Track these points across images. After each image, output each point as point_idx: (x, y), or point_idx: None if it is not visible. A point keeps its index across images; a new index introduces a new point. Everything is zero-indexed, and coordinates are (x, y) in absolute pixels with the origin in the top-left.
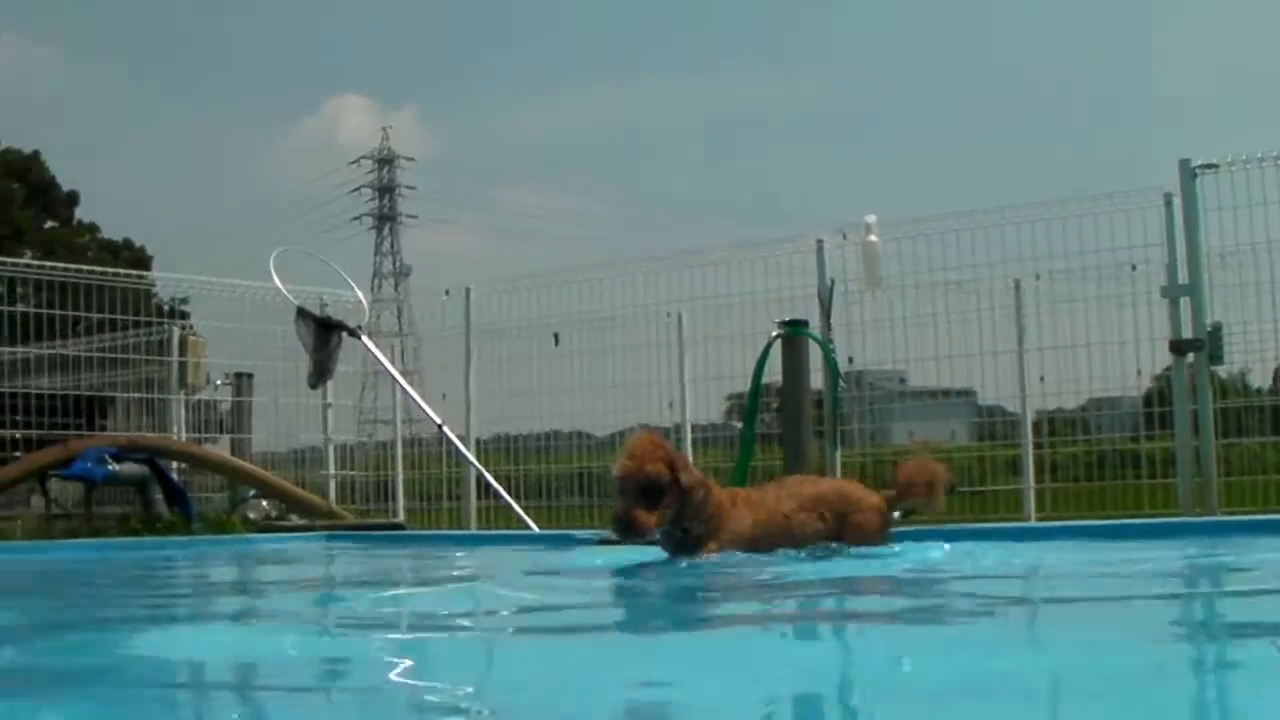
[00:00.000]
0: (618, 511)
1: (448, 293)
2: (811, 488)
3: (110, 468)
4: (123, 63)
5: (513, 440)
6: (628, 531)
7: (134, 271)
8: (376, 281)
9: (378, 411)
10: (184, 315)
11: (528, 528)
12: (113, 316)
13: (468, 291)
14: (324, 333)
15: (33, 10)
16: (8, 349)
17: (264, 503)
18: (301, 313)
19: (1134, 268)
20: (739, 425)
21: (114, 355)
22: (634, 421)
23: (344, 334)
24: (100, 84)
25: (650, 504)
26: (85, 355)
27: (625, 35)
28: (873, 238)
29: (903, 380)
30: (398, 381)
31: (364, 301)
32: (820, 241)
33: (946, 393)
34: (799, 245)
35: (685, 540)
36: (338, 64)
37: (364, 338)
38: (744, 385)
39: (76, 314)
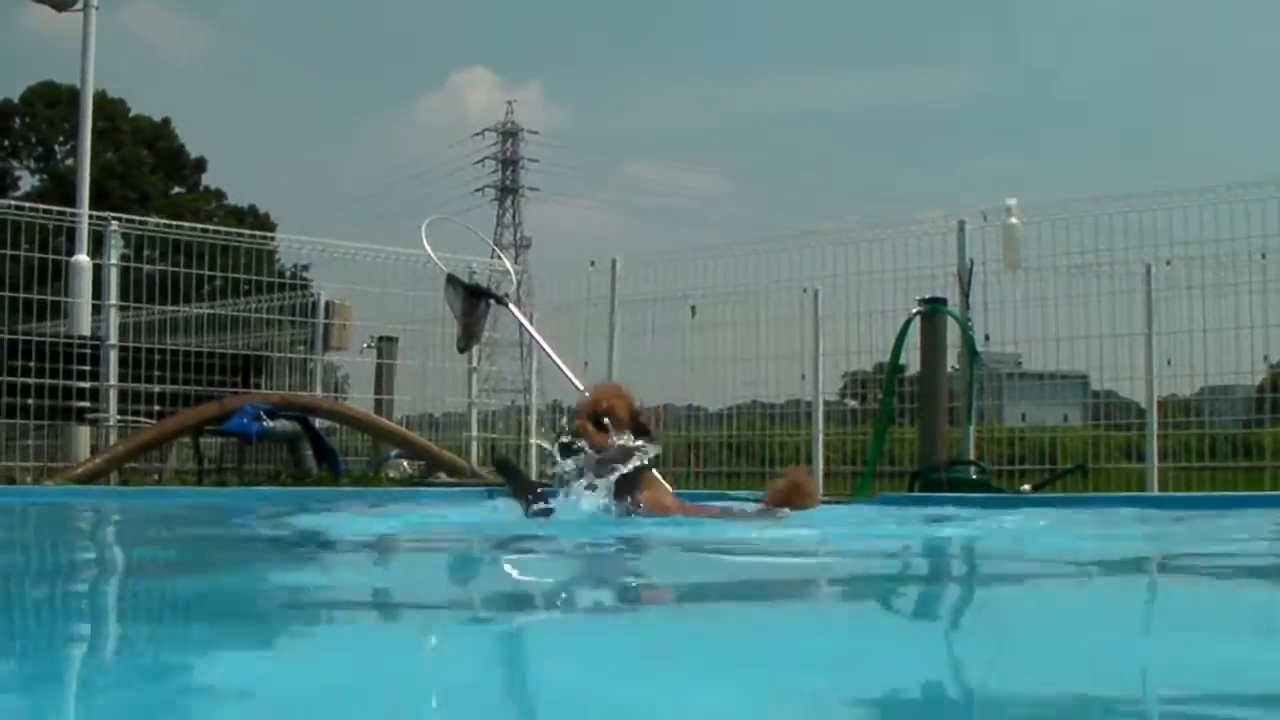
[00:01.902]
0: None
1: (593, 263)
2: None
3: (265, 424)
4: (251, 32)
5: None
6: (566, 449)
7: (283, 236)
8: (494, 255)
9: (494, 380)
10: (305, 283)
11: None
12: (257, 279)
13: (614, 263)
14: (472, 299)
15: None
16: (170, 308)
17: (405, 463)
18: (451, 279)
19: (1264, 256)
20: (851, 403)
21: (264, 316)
22: (769, 395)
23: (491, 301)
24: (229, 53)
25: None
26: (236, 316)
27: (750, 17)
28: (1014, 220)
29: (1018, 363)
30: (543, 348)
31: (511, 270)
32: (962, 222)
33: (1061, 376)
34: (938, 225)
35: (620, 487)
36: (464, 37)
37: (510, 305)
38: (868, 362)
39: (228, 275)
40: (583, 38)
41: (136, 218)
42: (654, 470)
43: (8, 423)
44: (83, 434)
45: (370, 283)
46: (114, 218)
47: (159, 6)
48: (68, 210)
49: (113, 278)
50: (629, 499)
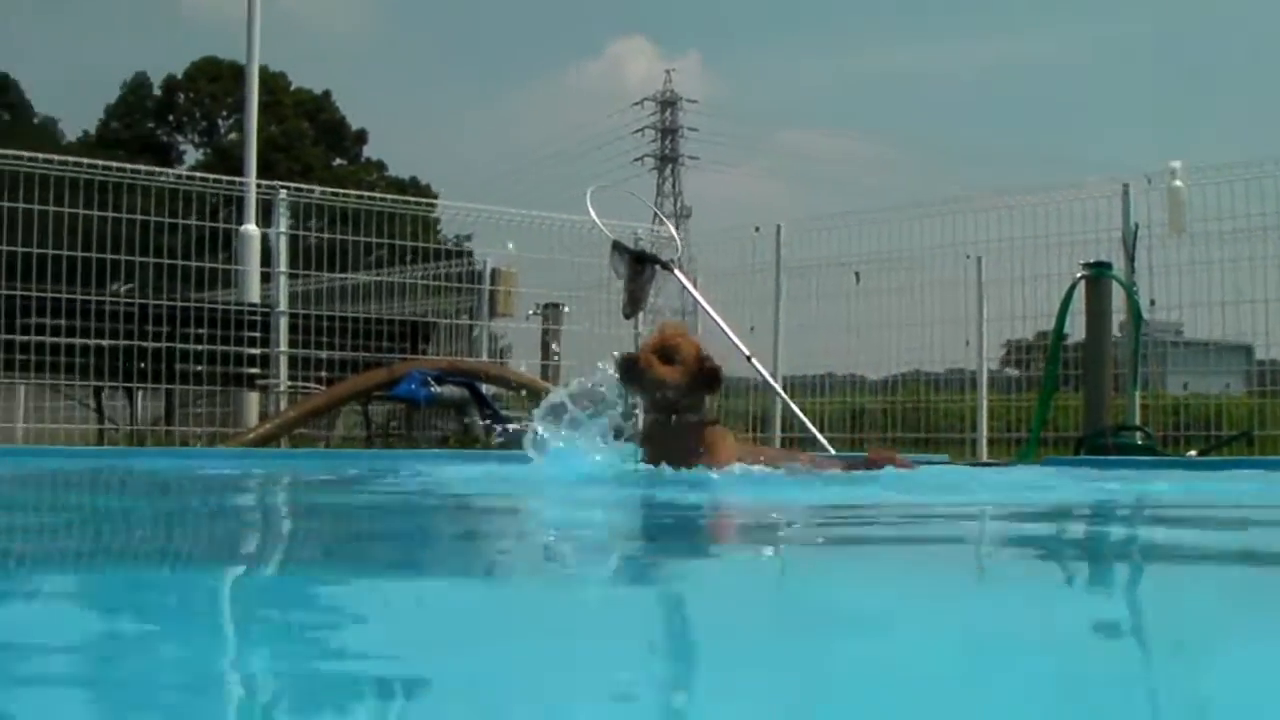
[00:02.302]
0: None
1: (758, 229)
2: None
3: (433, 390)
4: (410, 2)
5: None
6: (631, 368)
7: (445, 203)
8: (657, 221)
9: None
10: (466, 253)
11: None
12: (422, 246)
13: (778, 229)
14: (637, 265)
15: None
16: (338, 275)
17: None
18: (617, 245)
19: None
20: (1012, 371)
21: (430, 283)
22: (931, 362)
23: (657, 267)
24: (388, 24)
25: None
26: (401, 283)
27: None
28: (1178, 183)
29: (1179, 331)
30: (709, 314)
31: (675, 237)
32: (1126, 186)
33: (1223, 345)
34: (1102, 189)
35: (676, 449)
36: (623, 6)
37: (676, 271)
38: (1031, 329)
39: (392, 243)
40: (740, 5)
41: (305, 186)
42: (718, 425)
43: (181, 389)
44: (252, 400)
45: (534, 249)
46: (282, 186)
47: None
48: (236, 180)
49: (282, 246)
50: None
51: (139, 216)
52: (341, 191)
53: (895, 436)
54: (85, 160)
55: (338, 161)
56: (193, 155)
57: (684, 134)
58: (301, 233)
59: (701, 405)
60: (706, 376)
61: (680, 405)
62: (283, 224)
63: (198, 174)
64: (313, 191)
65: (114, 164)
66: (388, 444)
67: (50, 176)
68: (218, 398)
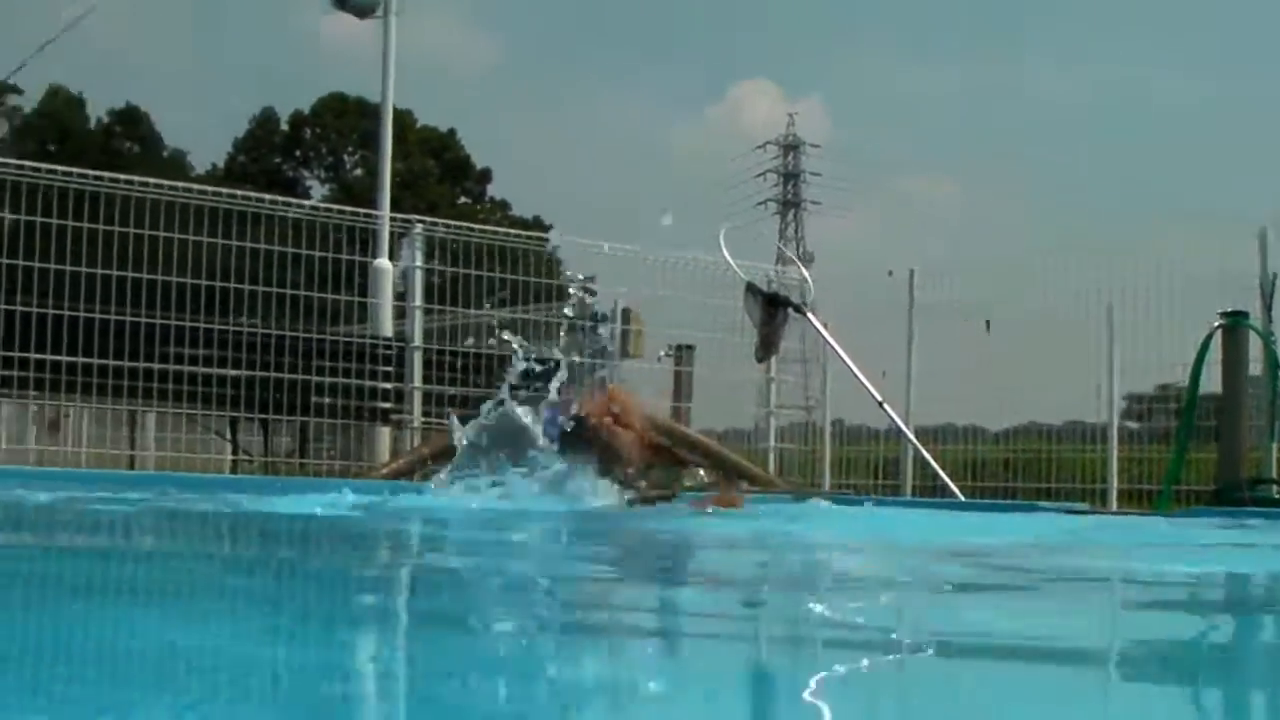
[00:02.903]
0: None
1: (891, 273)
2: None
3: (565, 428)
4: (536, 43)
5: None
6: (582, 430)
7: (570, 238)
8: (779, 265)
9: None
10: (590, 292)
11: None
12: (547, 283)
13: (911, 273)
14: (771, 309)
15: None
16: (463, 310)
17: (701, 473)
18: (751, 288)
19: None
20: (1132, 425)
21: (558, 320)
22: (1050, 410)
23: (790, 310)
24: (513, 64)
25: None
26: (534, 320)
27: (1042, 19)
28: None
29: None
30: (842, 358)
31: (808, 280)
32: (1264, 230)
33: None
34: (1237, 235)
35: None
36: (746, 50)
37: (809, 315)
38: (1156, 379)
39: (520, 279)
40: (863, 48)
41: (439, 221)
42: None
43: (315, 421)
44: (383, 434)
45: (661, 289)
46: (418, 221)
47: (446, 18)
48: (370, 213)
49: (417, 280)
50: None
51: (270, 247)
52: (475, 227)
53: (1016, 486)
54: (222, 190)
55: (462, 200)
56: (318, 190)
57: (806, 178)
58: (437, 267)
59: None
60: (655, 449)
61: (624, 475)
62: (418, 259)
63: (334, 207)
64: (448, 226)
65: (251, 194)
66: None
67: (177, 204)
68: (351, 431)
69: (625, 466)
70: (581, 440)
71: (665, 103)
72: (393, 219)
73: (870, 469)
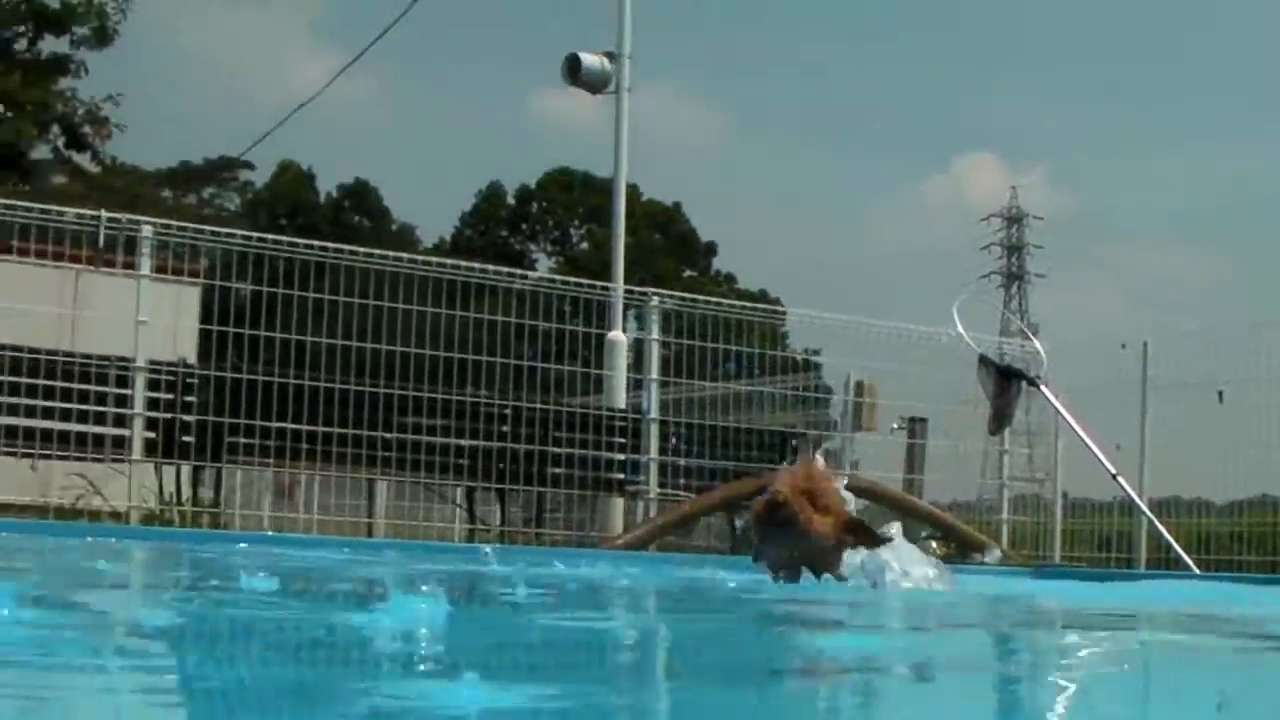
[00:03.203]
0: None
1: (1124, 346)
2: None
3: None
4: (759, 116)
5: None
6: (778, 513)
7: (799, 311)
8: (999, 339)
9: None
10: (816, 365)
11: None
12: (785, 355)
13: (1145, 345)
14: (1004, 381)
15: (688, 60)
16: (708, 384)
17: (934, 544)
18: (984, 360)
19: None
20: None
21: (796, 394)
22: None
23: (1024, 383)
24: (738, 137)
25: None
26: (761, 392)
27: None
28: None
29: None
30: (1076, 431)
31: (1041, 352)
32: None
33: None
34: None
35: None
36: (972, 123)
37: (1043, 388)
38: None
39: (753, 351)
40: (1092, 119)
41: (674, 294)
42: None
43: (551, 492)
44: (616, 505)
45: (888, 361)
46: (654, 293)
47: (669, 94)
48: (606, 285)
49: (654, 353)
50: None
51: (500, 318)
52: (711, 300)
53: (1244, 559)
54: (447, 262)
55: (688, 273)
56: (544, 264)
57: (1030, 251)
58: (671, 340)
59: (837, 563)
60: (857, 531)
61: (818, 562)
62: (655, 330)
63: (568, 279)
64: (684, 299)
65: (485, 266)
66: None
67: (404, 275)
68: (586, 501)
69: (824, 557)
70: (777, 526)
71: (889, 176)
72: (627, 292)
73: (1096, 542)
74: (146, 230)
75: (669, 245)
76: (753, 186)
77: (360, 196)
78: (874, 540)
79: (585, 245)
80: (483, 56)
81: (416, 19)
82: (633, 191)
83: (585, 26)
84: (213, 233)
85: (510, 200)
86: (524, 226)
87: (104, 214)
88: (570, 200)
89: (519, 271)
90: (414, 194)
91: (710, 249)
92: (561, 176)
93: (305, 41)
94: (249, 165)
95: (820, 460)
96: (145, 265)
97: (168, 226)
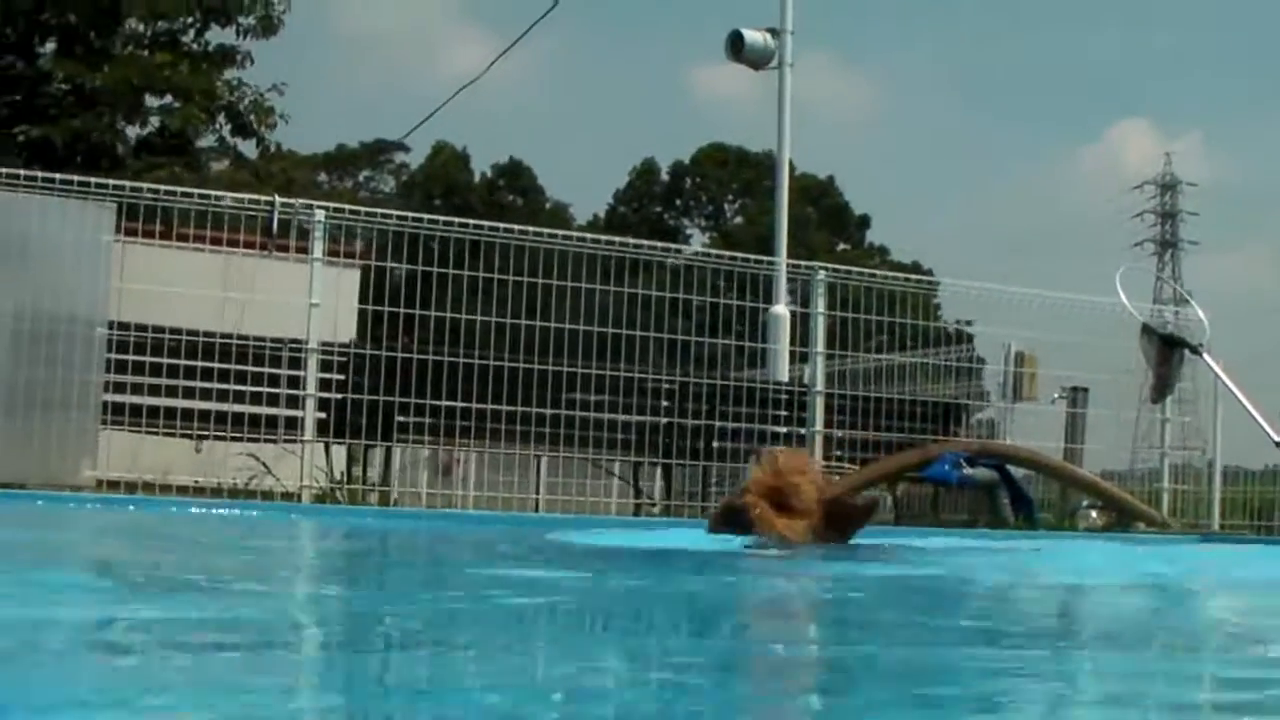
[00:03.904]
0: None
1: None
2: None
3: (964, 472)
4: (911, 88)
5: None
6: (737, 519)
7: (952, 282)
8: (1156, 307)
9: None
10: (968, 336)
11: None
12: (939, 326)
13: None
14: (1166, 349)
15: (840, 32)
16: (874, 356)
17: (1094, 514)
18: (1147, 329)
19: None
20: None
21: (957, 365)
22: None
23: (1186, 351)
24: (889, 109)
25: None
26: (924, 363)
27: None
28: None
29: None
30: (1239, 399)
31: (1203, 320)
32: None
33: None
34: None
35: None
36: (1124, 89)
37: (1205, 356)
38: None
39: (912, 323)
40: (1249, 80)
41: (840, 267)
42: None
43: (715, 465)
44: None
45: (1045, 331)
46: (821, 267)
47: (820, 67)
48: (769, 259)
49: (819, 326)
50: None
51: (657, 293)
52: (879, 273)
53: None
54: (604, 238)
55: (841, 246)
56: (698, 239)
57: (1183, 218)
58: (837, 314)
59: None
60: (840, 520)
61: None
62: (821, 304)
63: (728, 254)
64: (849, 273)
65: (641, 241)
66: (914, 525)
67: (567, 252)
68: (743, 475)
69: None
70: (740, 531)
71: (1041, 145)
72: (790, 265)
73: (1248, 510)
74: (319, 214)
75: (822, 218)
76: (905, 159)
77: (514, 176)
78: (862, 516)
79: (739, 220)
80: (634, 35)
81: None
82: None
83: (735, 3)
84: (383, 215)
85: (664, 176)
86: (678, 202)
87: (277, 199)
88: (724, 175)
89: (674, 246)
90: (567, 172)
91: (863, 222)
92: (715, 152)
93: (455, 24)
94: (404, 148)
95: (788, 452)
96: (318, 249)
97: (340, 210)
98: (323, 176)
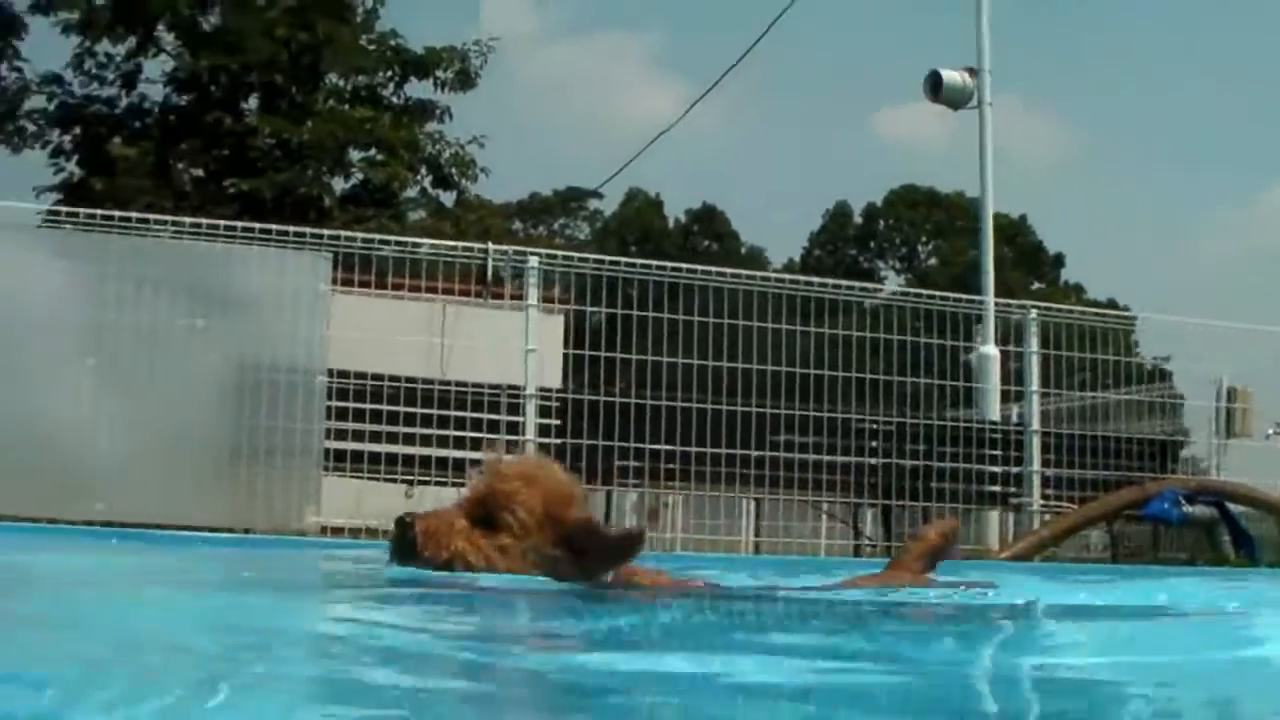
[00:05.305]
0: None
1: None
2: None
3: (1184, 510)
4: (1104, 126)
5: None
6: (402, 548)
7: (1147, 315)
8: None
9: None
10: (1167, 373)
11: None
12: (1131, 361)
13: None
14: None
15: (1031, 80)
16: (1089, 395)
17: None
18: None
19: None
20: None
21: (1163, 401)
22: None
23: None
24: (1082, 148)
25: None
26: (1128, 400)
27: None
28: None
29: None
30: None
31: None
32: None
33: None
34: None
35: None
36: None
37: None
38: None
39: (1120, 360)
40: None
41: (1051, 306)
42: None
43: (936, 506)
44: (991, 518)
45: (1256, 365)
46: (1033, 306)
47: (1017, 106)
48: (976, 299)
49: (1034, 364)
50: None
51: (857, 333)
52: (1090, 310)
53: None
54: (801, 279)
55: (1035, 285)
56: (893, 281)
57: None
58: (1051, 352)
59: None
60: (600, 553)
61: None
62: (1033, 343)
63: (936, 293)
64: (1056, 311)
65: (840, 282)
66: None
67: (762, 293)
68: (957, 515)
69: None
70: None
71: (1235, 177)
72: (998, 304)
73: None
74: (533, 260)
75: (1017, 257)
76: (1098, 197)
77: (708, 220)
78: (622, 549)
79: (933, 261)
80: (823, 78)
81: (759, 45)
82: (979, 204)
83: (928, 44)
84: (595, 260)
85: (857, 219)
86: (871, 244)
87: (491, 246)
88: (916, 217)
89: (873, 285)
90: (760, 216)
91: (1058, 260)
92: (907, 193)
93: (643, 73)
94: (598, 195)
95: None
96: (533, 295)
97: (552, 256)
98: (517, 225)
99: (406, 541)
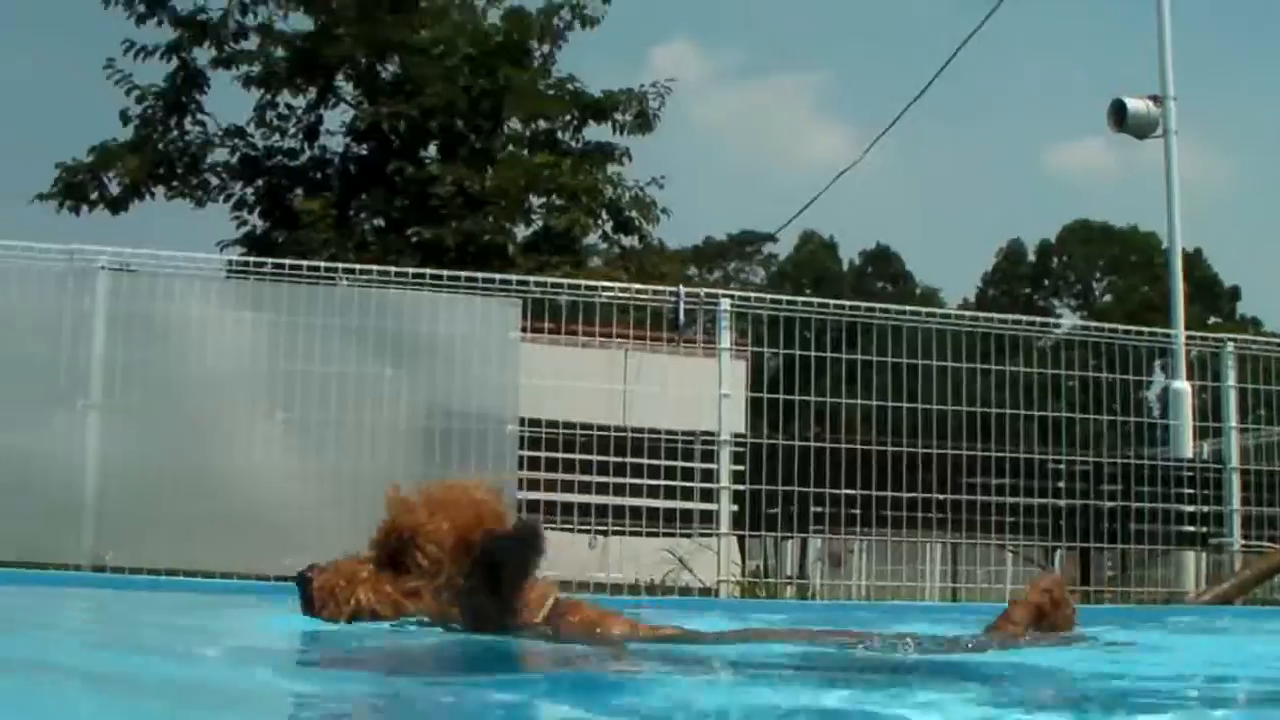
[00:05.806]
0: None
1: None
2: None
3: None
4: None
5: None
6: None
7: None
8: None
9: None
10: None
11: None
12: None
13: None
14: None
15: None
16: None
17: None
18: None
19: None
20: None
21: None
22: None
23: None
24: (1261, 179)
25: None
26: None
27: None
28: None
29: None
30: None
31: None
32: None
33: None
34: None
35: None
36: None
37: None
38: None
39: None
40: None
41: (1249, 338)
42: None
43: (1135, 548)
44: (1187, 558)
45: None
46: (1230, 339)
47: (1191, 136)
48: (1166, 332)
49: (1232, 400)
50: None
51: (1040, 370)
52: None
53: None
54: (980, 315)
55: (1212, 319)
56: (1068, 318)
57: None
58: (1250, 386)
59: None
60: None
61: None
62: (1231, 377)
63: (1129, 327)
64: (1257, 344)
65: (1020, 317)
66: None
67: (941, 330)
68: (1155, 556)
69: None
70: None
71: None
72: (1189, 338)
73: None
74: (724, 304)
75: (1192, 291)
76: (1273, 227)
77: (883, 262)
78: (511, 550)
79: (1108, 298)
80: (993, 115)
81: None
82: (1152, 238)
83: (1100, 78)
84: (788, 302)
85: (1030, 256)
86: (1046, 282)
87: (682, 290)
88: (1090, 252)
89: (1052, 321)
90: (934, 257)
91: (1234, 293)
92: (1081, 229)
93: (809, 116)
94: (773, 238)
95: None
96: (725, 339)
97: (744, 299)
98: (692, 269)
99: (306, 599)
